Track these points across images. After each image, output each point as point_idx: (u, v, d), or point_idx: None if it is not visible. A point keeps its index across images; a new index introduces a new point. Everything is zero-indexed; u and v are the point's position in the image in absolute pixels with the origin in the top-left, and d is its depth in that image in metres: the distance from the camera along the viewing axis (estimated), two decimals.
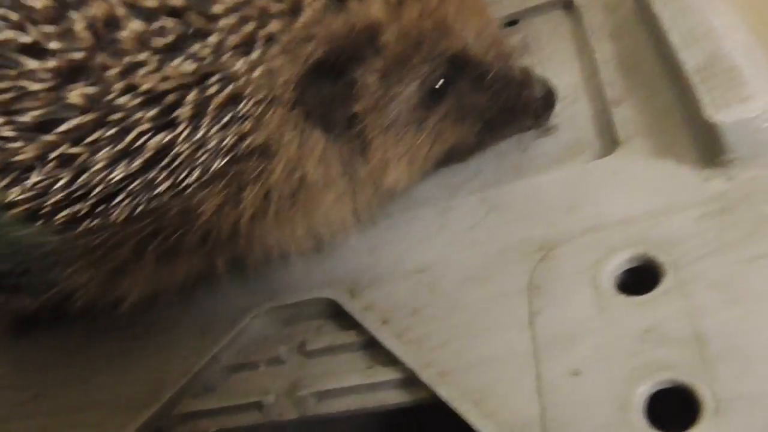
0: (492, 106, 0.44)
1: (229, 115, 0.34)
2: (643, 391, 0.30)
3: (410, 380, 0.37)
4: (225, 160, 0.35)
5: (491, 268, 0.39)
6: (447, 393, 0.34)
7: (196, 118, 0.34)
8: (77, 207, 0.35)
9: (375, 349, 0.40)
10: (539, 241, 0.39)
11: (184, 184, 0.35)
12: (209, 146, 0.34)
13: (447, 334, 0.37)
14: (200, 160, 0.34)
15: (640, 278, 0.35)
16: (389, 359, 0.39)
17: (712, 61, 0.38)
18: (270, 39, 0.34)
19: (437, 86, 0.41)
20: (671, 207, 0.36)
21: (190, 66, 0.33)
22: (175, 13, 0.33)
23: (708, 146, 0.37)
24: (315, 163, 0.39)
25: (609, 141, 0.43)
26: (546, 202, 0.41)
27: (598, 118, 0.46)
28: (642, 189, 0.38)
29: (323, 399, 0.40)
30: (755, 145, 0.35)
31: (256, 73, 0.34)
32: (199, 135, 0.34)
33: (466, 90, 0.43)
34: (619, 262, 0.35)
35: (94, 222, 0.35)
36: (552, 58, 0.54)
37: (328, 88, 0.37)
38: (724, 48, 0.38)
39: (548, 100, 0.46)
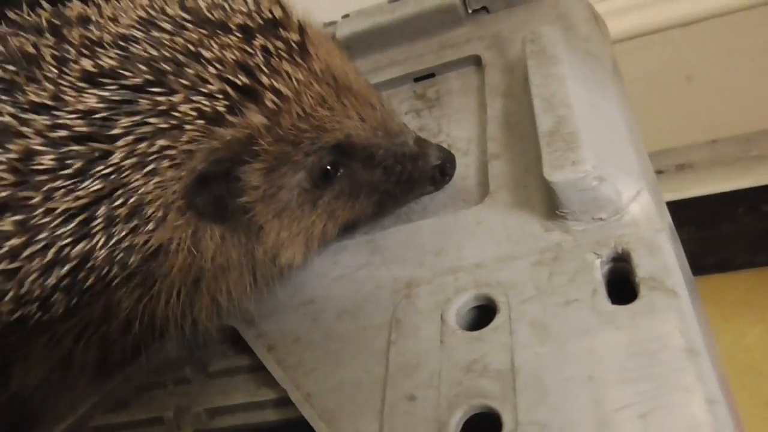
0: (387, 180, 0.48)
1: (134, 222, 0.40)
2: (459, 415, 0.35)
3: (286, 400, 0.42)
4: (137, 259, 0.40)
5: (364, 303, 0.44)
6: (308, 413, 0.39)
7: (108, 228, 0.40)
8: (27, 309, 0.41)
9: (264, 372, 0.45)
10: (406, 280, 0.44)
11: (106, 281, 0.41)
12: (122, 248, 0.40)
13: (318, 360, 0.42)
14: (116, 260, 0.40)
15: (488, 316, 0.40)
16: (272, 381, 0.44)
17: (559, 126, 0.44)
18: (160, 154, 0.39)
19: (326, 171, 0.45)
20: (516, 254, 0.42)
21: (98, 185, 0.39)
22: (81, 139, 0.39)
23: (549, 201, 0.42)
24: (213, 253, 0.43)
25: (483, 191, 0.49)
26: (420, 245, 0.46)
27: (480, 170, 0.52)
28: (497, 236, 0.44)
29: (215, 415, 0.45)
30: (584, 201, 0.41)
31: (150, 186, 0.39)
32: (112, 241, 0.40)
33: (357, 169, 0.47)
34: (464, 301, 0.41)
35: (42, 318, 0.41)
36: (458, 111, 0.60)
37: (215, 188, 0.42)
38: (571, 115, 0.44)
39: (444, 166, 0.49)
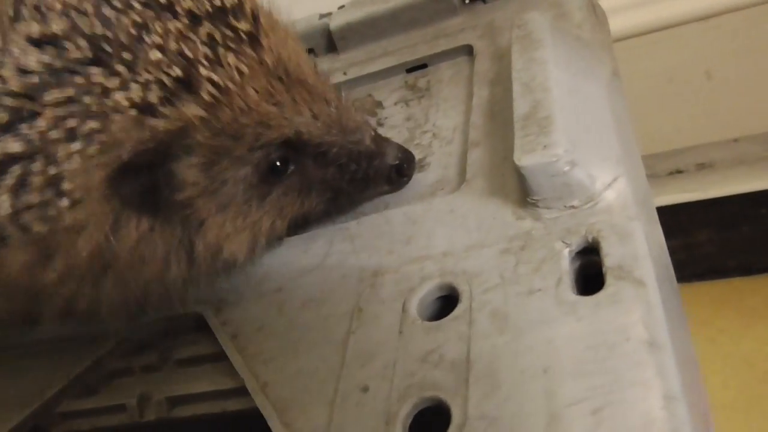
0: (341, 178, 0.46)
1: (49, 194, 0.38)
2: (408, 408, 0.33)
3: (245, 390, 0.41)
4: (42, 230, 0.39)
5: (330, 292, 0.43)
6: (260, 402, 0.38)
7: (18, 189, 0.38)
8: None
9: (228, 361, 0.44)
10: (373, 269, 0.42)
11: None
12: (28, 214, 0.39)
13: (278, 350, 0.41)
14: (18, 223, 0.39)
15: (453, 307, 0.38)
16: (234, 370, 0.42)
17: (534, 110, 0.42)
18: (89, 136, 0.38)
19: (275, 166, 0.43)
20: (484, 242, 0.40)
21: (19, 143, 0.38)
22: (14, 94, 0.38)
23: (522, 188, 0.40)
24: (133, 243, 0.41)
25: (461, 179, 0.47)
26: (390, 233, 0.45)
27: (460, 158, 0.50)
28: (468, 225, 0.42)
29: (177, 404, 0.44)
30: (555, 187, 0.39)
31: (74, 163, 0.38)
32: (19, 204, 0.38)
33: (308, 166, 0.45)
34: (428, 290, 0.39)
35: None
36: (446, 101, 0.58)
37: (143, 180, 0.40)
38: (548, 99, 0.42)
39: (401, 167, 0.47)
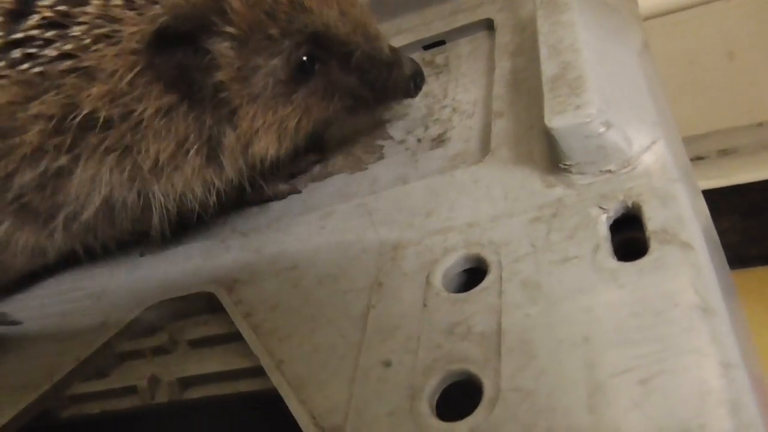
0: (361, 85, 0.47)
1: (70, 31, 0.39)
2: (436, 381, 0.31)
3: (261, 370, 0.39)
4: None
5: (348, 267, 0.41)
6: (277, 380, 0.36)
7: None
8: None
9: (241, 341, 0.42)
10: (393, 242, 0.40)
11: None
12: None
13: (294, 327, 0.39)
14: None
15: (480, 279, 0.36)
16: (248, 350, 0.40)
17: (564, 72, 0.39)
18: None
19: (303, 63, 0.44)
20: (512, 211, 0.37)
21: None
22: None
23: (552, 153, 0.38)
24: (159, 121, 0.41)
25: (485, 151, 0.45)
26: (410, 206, 0.43)
27: (483, 130, 0.47)
28: (494, 195, 0.40)
29: (189, 386, 0.42)
30: (589, 151, 0.36)
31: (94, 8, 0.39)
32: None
33: (333, 69, 0.46)
34: (453, 262, 0.36)
35: None
36: (465, 76, 0.56)
37: (181, 56, 0.40)
38: (578, 60, 0.40)
39: (417, 78, 0.49)
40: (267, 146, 0.45)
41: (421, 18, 0.64)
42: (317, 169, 0.55)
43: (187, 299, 0.47)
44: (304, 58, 0.44)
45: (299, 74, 0.44)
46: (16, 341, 0.51)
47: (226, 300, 0.44)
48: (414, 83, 0.49)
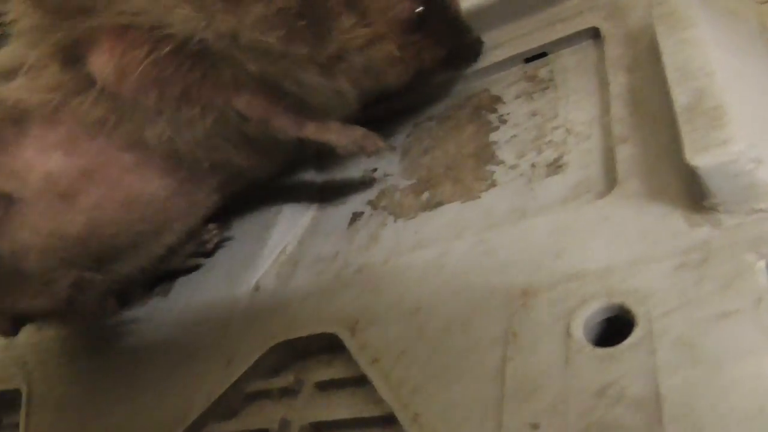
0: (440, 47, 0.54)
1: None
2: None
3: (392, 419, 0.39)
4: None
5: (475, 313, 0.40)
6: None
7: None
8: None
9: (370, 386, 0.42)
10: (522, 287, 0.39)
11: None
12: None
13: (426, 377, 0.39)
14: None
15: (621, 329, 0.35)
16: (378, 397, 0.41)
17: (699, 100, 0.36)
18: None
19: (417, 16, 0.51)
20: (653, 255, 0.35)
21: None
22: None
23: (693, 190, 0.35)
24: None
25: (610, 181, 0.43)
26: (535, 245, 0.41)
27: (605, 156, 0.45)
28: (629, 234, 0.38)
29: (321, 430, 0.43)
30: (738, 190, 0.33)
31: None
32: None
33: (433, 25, 0.52)
34: (593, 312, 0.35)
35: None
36: (576, 92, 0.54)
37: None
38: (713, 85, 0.37)
39: (477, 48, 0.58)
40: (394, 76, 0.53)
41: (518, 29, 0.62)
42: (426, 196, 0.55)
43: (310, 339, 0.48)
44: (420, 9, 0.51)
45: (409, 27, 0.51)
46: (142, 379, 0.54)
47: (350, 343, 0.44)
48: (474, 53, 0.57)
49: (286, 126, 0.52)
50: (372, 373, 0.41)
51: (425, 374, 0.39)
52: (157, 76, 0.47)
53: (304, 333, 0.48)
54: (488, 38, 0.64)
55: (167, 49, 0.46)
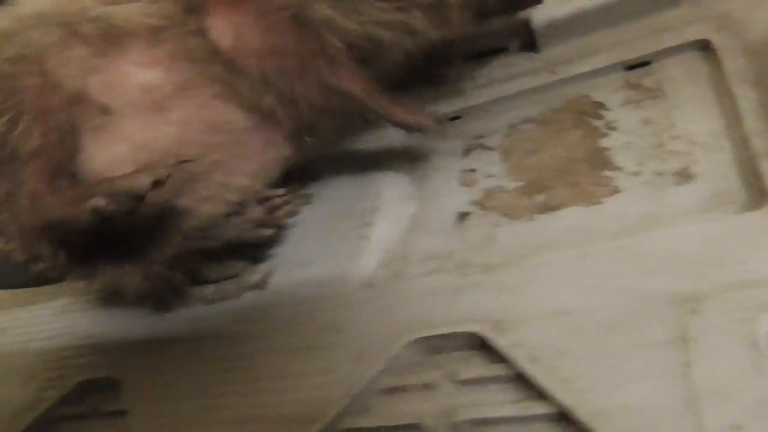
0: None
1: None
2: None
3: (563, 416, 0.40)
4: None
5: (637, 317, 0.42)
6: None
7: None
8: None
9: (524, 384, 0.44)
10: (687, 294, 0.41)
11: None
12: None
13: (596, 376, 0.40)
14: None
15: None
16: (539, 394, 0.42)
17: None
18: None
19: None
20: None
21: None
22: None
23: None
24: None
25: (757, 194, 0.45)
26: (689, 254, 0.43)
27: (744, 169, 0.47)
28: None
29: (478, 426, 0.44)
30: None
31: None
32: None
33: None
34: None
35: None
36: (691, 102, 0.56)
37: None
38: None
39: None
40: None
41: (619, 36, 0.64)
42: (540, 199, 0.56)
43: (449, 337, 0.49)
44: None
45: None
46: (267, 365, 0.55)
47: (498, 341, 0.46)
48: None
49: (380, 106, 0.54)
50: (533, 372, 0.43)
51: (595, 375, 0.40)
52: (272, 46, 0.49)
53: (443, 331, 0.49)
54: (587, 43, 0.65)
55: (284, 18, 0.47)
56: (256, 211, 0.62)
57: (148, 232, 0.53)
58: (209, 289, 0.68)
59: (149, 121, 0.51)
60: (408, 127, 0.56)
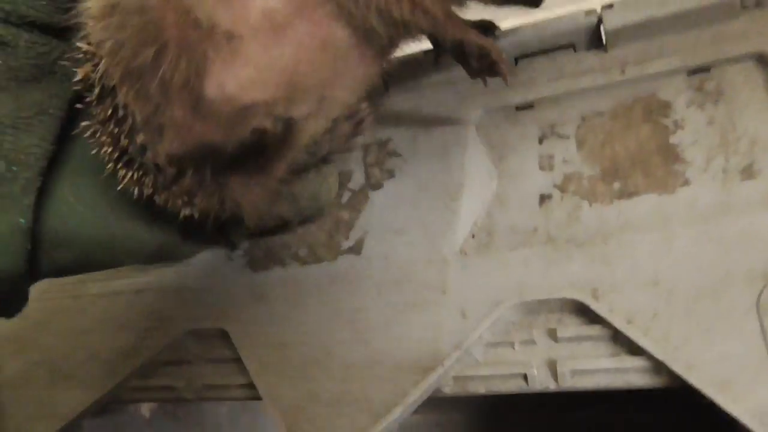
0: None
1: None
2: None
3: (656, 368, 0.50)
4: None
5: (717, 291, 0.51)
6: (697, 381, 0.47)
7: None
8: None
9: (618, 342, 0.53)
10: (762, 270, 0.50)
11: None
12: None
13: (687, 334, 0.50)
14: None
15: None
16: (634, 350, 0.51)
17: None
18: None
19: None
20: None
21: None
22: None
23: None
24: None
25: None
26: (761, 239, 0.52)
27: None
28: None
29: (578, 375, 0.53)
30: None
31: None
32: None
33: None
34: None
35: None
36: (749, 107, 0.64)
37: None
38: None
39: None
40: None
41: (682, 41, 0.72)
42: (617, 186, 0.64)
43: (546, 302, 0.58)
44: None
45: None
46: (380, 320, 0.63)
47: (596, 306, 0.55)
48: None
49: (455, 28, 0.59)
50: (630, 332, 0.52)
51: (686, 334, 0.50)
52: None
53: (542, 296, 0.57)
54: (651, 46, 0.73)
55: None
56: (345, 126, 0.68)
57: (276, 149, 0.58)
58: (303, 251, 0.75)
59: (270, 44, 0.54)
60: (480, 52, 0.60)
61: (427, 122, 0.79)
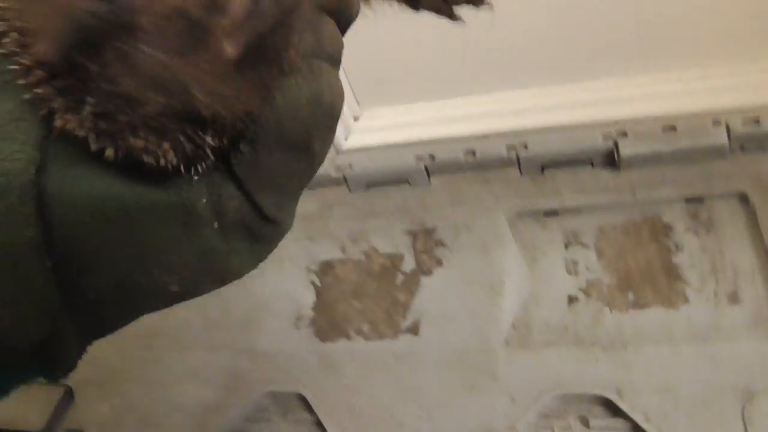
0: None
1: None
2: None
3: None
4: None
5: (713, 399, 0.69)
6: None
7: None
8: None
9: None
10: (743, 389, 0.68)
11: None
12: None
13: (692, 426, 0.67)
14: None
15: None
16: None
17: None
18: None
19: None
20: None
21: None
22: None
23: None
24: None
25: None
26: (743, 363, 0.70)
27: None
28: None
29: None
30: None
31: None
32: None
33: None
34: None
35: None
36: (734, 240, 0.82)
37: None
38: None
39: None
40: None
41: (682, 173, 0.89)
42: (631, 296, 0.82)
43: (583, 396, 0.74)
44: None
45: None
46: (441, 398, 0.78)
47: (622, 404, 0.72)
48: None
49: None
50: (647, 428, 0.69)
51: (691, 425, 0.67)
52: None
53: (578, 391, 0.74)
54: (656, 173, 0.91)
55: None
56: None
57: None
58: (365, 326, 0.89)
59: None
60: None
61: (466, 217, 0.94)
